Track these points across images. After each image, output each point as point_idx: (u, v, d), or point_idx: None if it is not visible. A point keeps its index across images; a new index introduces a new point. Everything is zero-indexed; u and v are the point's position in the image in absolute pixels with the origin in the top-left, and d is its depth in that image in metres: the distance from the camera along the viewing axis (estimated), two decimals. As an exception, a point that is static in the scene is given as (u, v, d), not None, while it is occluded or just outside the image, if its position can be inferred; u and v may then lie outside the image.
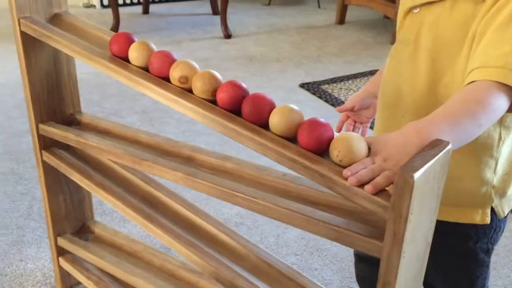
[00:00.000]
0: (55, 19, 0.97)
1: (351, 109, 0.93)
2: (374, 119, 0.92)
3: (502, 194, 0.81)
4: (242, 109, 0.69)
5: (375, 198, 0.57)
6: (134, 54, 0.80)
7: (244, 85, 0.71)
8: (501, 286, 1.30)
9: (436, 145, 0.57)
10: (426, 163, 0.54)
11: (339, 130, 0.96)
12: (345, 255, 1.38)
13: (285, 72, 2.68)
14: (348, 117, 0.96)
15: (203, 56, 2.88)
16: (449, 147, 0.58)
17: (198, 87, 0.73)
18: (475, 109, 0.63)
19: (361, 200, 0.58)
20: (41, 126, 1.02)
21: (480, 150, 0.76)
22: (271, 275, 0.83)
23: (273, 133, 0.67)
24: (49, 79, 1.02)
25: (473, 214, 0.80)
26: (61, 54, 1.01)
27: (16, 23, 0.93)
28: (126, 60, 0.82)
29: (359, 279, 1.08)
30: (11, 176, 1.71)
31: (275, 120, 0.66)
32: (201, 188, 0.78)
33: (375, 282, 0.61)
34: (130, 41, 0.82)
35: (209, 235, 0.91)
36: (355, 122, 0.97)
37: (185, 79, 0.75)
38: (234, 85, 0.70)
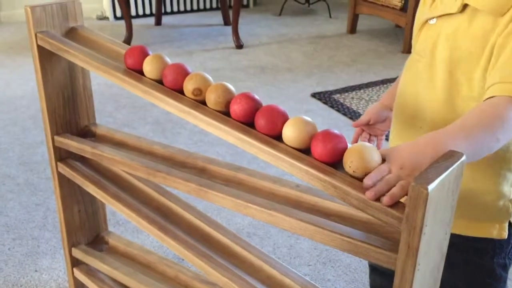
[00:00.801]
0: (71, 33, 0.99)
1: (367, 123, 0.94)
2: (389, 131, 0.92)
3: None
4: (255, 121, 0.70)
5: (390, 209, 0.57)
6: (148, 67, 0.81)
7: (257, 97, 0.72)
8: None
9: (450, 156, 0.57)
10: (440, 175, 0.54)
11: (354, 142, 0.96)
12: (358, 266, 1.37)
13: (297, 81, 2.69)
14: (363, 130, 0.97)
15: (215, 66, 2.90)
16: (463, 158, 0.58)
17: (212, 99, 0.74)
18: (493, 123, 0.63)
19: (375, 211, 0.58)
20: (56, 138, 1.03)
21: (498, 163, 0.76)
22: (284, 286, 0.83)
23: (286, 145, 0.67)
24: (64, 91, 1.03)
25: (490, 228, 0.80)
26: (76, 67, 1.03)
27: (33, 37, 0.95)
28: (141, 73, 0.83)
29: None
30: (26, 187, 1.73)
31: (289, 132, 0.67)
32: (214, 199, 0.79)
33: None
34: (145, 54, 0.84)
35: (223, 246, 0.91)
36: (370, 135, 0.97)
37: (199, 91, 0.75)
38: (247, 97, 0.71)
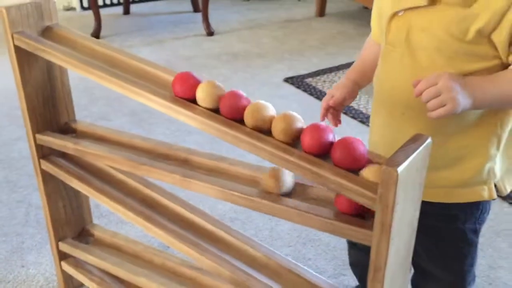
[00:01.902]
0: (47, 32, 1.00)
1: (343, 101, 0.97)
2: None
3: (504, 170, 0.88)
4: (332, 154, 0.66)
5: (364, 191, 0.62)
6: (202, 94, 0.76)
7: (328, 126, 0.69)
8: (485, 265, 1.36)
9: (417, 140, 0.63)
10: (408, 157, 0.59)
11: (323, 119, 0.99)
12: (337, 244, 1.43)
13: (269, 67, 2.72)
14: (329, 105, 0.98)
15: (187, 54, 2.91)
16: (428, 141, 0.63)
17: (278, 130, 0.70)
18: None
19: (351, 193, 0.63)
20: (38, 136, 1.05)
21: (486, 128, 0.83)
22: (269, 267, 0.88)
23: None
24: (43, 90, 1.05)
25: (481, 191, 0.86)
26: (54, 65, 1.04)
27: (10, 37, 0.96)
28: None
29: (352, 264, 1.14)
30: (6, 184, 1.73)
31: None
32: (198, 189, 0.82)
33: (366, 266, 0.66)
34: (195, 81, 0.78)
35: (207, 232, 0.95)
36: (334, 110, 0.99)
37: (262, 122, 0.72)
38: (318, 129, 0.68)
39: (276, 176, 0.75)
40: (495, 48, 0.76)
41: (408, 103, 0.83)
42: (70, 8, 3.80)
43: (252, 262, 0.89)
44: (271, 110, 0.72)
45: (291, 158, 0.67)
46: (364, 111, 2.18)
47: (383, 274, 0.63)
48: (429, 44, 0.79)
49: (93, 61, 0.90)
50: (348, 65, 2.71)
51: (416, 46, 0.81)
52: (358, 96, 1.04)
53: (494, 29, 0.74)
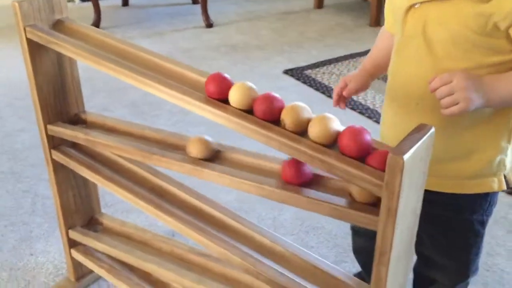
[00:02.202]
0: (58, 25, 1.03)
1: (356, 91, 1.00)
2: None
3: None
4: (366, 160, 0.68)
5: (370, 178, 0.65)
6: (236, 96, 0.78)
7: (367, 131, 0.70)
8: (483, 252, 1.40)
9: (421, 129, 0.66)
10: (413, 145, 0.62)
11: (336, 105, 1.03)
12: (339, 232, 1.47)
13: (268, 59, 2.75)
14: (342, 94, 1.01)
15: (187, 46, 2.93)
16: (432, 130, 0.66)
17: (315, 132, 0.71)
18: None
19: (358, 181, 0.66)
20: (49, 127, 1.08)
21: (497, 121, 0.85)
22: (276, 253, 0.91)
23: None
24: (54, 82, 1.07)
25: (491, 183, 0.89)
26: (64, 57, 1.07)
27: (22, 31, 0.99)
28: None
29: (356, 250, 1.17)
30: (11, 175, 1.76)
31: None
32: (209, 177, 0.85)
33: (369, 252, 0.70)
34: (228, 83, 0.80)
35: (215, 220, 0.98)
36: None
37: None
38: (358, 132, 0.69)
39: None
40: None
41: (423, 94, 0.84)
42: (69, 0, 3.80)
43: (259, 248, 0.92)
44: (308, 112, 0.73)
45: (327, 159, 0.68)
46: (371, 106, 2.16)
47: (388, 257, 0.67)
48: (445, 36, 0.80)
49: (112, 56, 0.92)
50: (346, 57, 2.74)
51: (432, 38, 0.82)
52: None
53: (511, 25, 0.76)
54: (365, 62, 1.04)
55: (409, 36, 0.86)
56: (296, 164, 0.77)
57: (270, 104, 0.74)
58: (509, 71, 0.79)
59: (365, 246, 1.06)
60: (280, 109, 0.74)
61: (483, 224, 0.95)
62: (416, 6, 0.83)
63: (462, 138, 0.86)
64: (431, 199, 0.78)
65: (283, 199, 0.77)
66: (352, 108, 2.13)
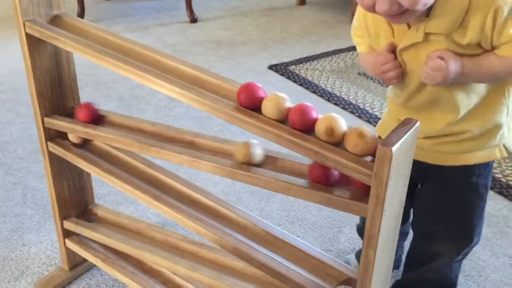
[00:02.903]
0: (56, 20, 1.06)
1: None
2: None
3: (507, 130, 1.02)
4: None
5: (361, 168, 0.71)
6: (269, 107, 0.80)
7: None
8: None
9: (407, 123, 0.71)
10: (400, 138, 0.68)
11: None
12: (323, 223, 1.53)
13: (253, 55, 2.79)
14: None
15: (172, 41, 2.95)
16: (417, 124, 0.72)
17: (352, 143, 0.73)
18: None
19: (349, 170, 0.72)
20: (46, 119, 1.10)
21: (498, 101, 0.98)
22: (268, 240, 0.96)
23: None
24: (51, 76, 1.10)
25: (494, 152, 1.02)
26: (61, 52, 1.10)
27: (22, 25, 1.01)
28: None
29: (360, 229, 1.29)
30: (0, 167, 1.77)
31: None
32: (206, 168, 0.90)
33: None
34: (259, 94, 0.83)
35: (209, 208, 1.02)
36: None
37: (331, 131, 0.75)
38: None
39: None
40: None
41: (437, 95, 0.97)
42: (51, -7, 3.78)
43: (252, 235, 0.97)
44: (343, 122, 0.76)
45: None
46: (369, 110, 2.15)
47: (376, 241, 0.72)
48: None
49: (117, 54, 0.95)
50: (328, 54, 2.80)
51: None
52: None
53: (479, 41, 0.89)
54: None
55: (411, 71, 0.97)
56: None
57: (305, 116, 0.77)
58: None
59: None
60: (314, 120, 0.77)
61: (486, 187, 1.06)
62: (404, 49, 0.95)
63: (473, 122, 0.99)
64: (443, 172, 0.98)
65: (277, 188, 0.82)
66: (351, 112, 2.20)
